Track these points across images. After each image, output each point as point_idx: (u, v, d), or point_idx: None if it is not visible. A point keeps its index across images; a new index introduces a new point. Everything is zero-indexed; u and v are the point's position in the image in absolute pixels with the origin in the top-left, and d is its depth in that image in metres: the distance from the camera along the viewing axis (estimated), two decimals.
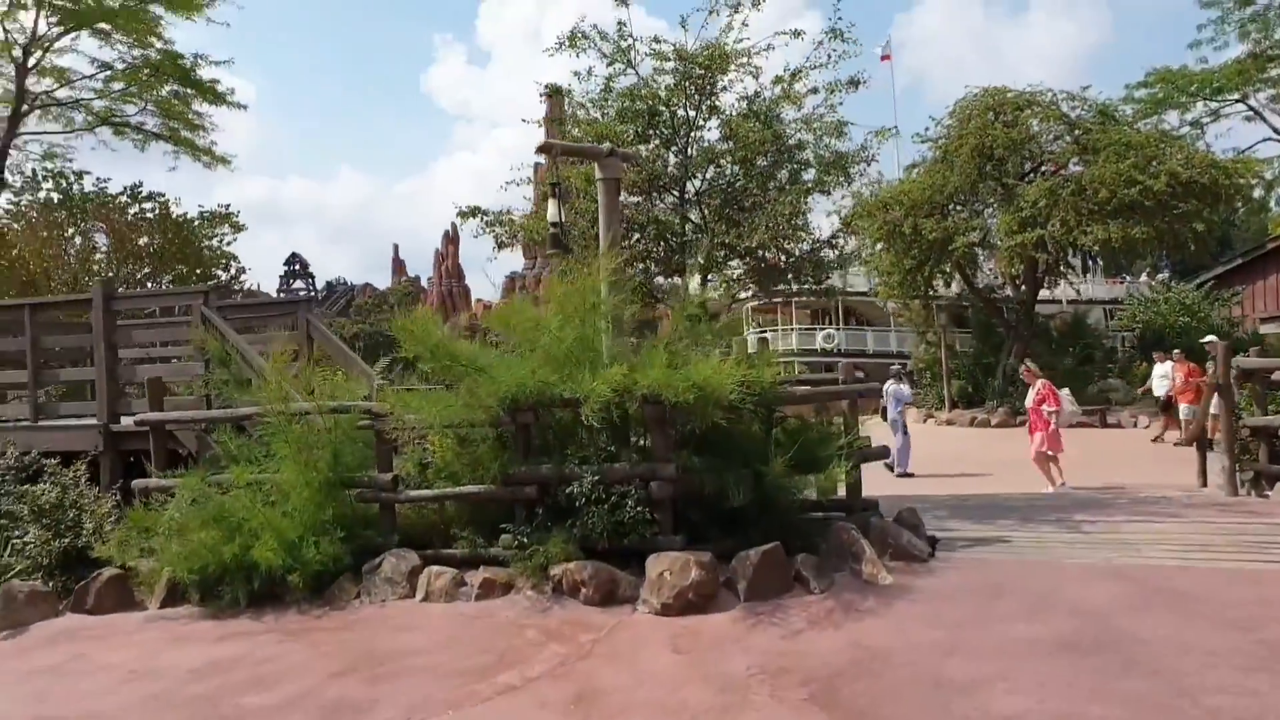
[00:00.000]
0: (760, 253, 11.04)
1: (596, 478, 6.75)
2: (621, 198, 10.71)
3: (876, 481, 11.91)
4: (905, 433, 14.92)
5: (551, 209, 7.70)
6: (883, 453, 7.76)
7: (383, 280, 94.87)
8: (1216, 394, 10.00)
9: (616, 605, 6.34)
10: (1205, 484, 10.61)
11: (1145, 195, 20.67)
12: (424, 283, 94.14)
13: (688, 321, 7.40)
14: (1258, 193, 34.13)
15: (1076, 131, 23.55)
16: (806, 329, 40.51)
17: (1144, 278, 35.72)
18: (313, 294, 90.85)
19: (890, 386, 15.40)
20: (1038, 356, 25.36)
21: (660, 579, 6.22)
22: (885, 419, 16.99)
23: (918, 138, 26.05)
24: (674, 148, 11.27)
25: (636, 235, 10.85)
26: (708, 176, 11.60)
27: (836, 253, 12.14)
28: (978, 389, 25.89)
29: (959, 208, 24.29)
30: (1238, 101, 33.79)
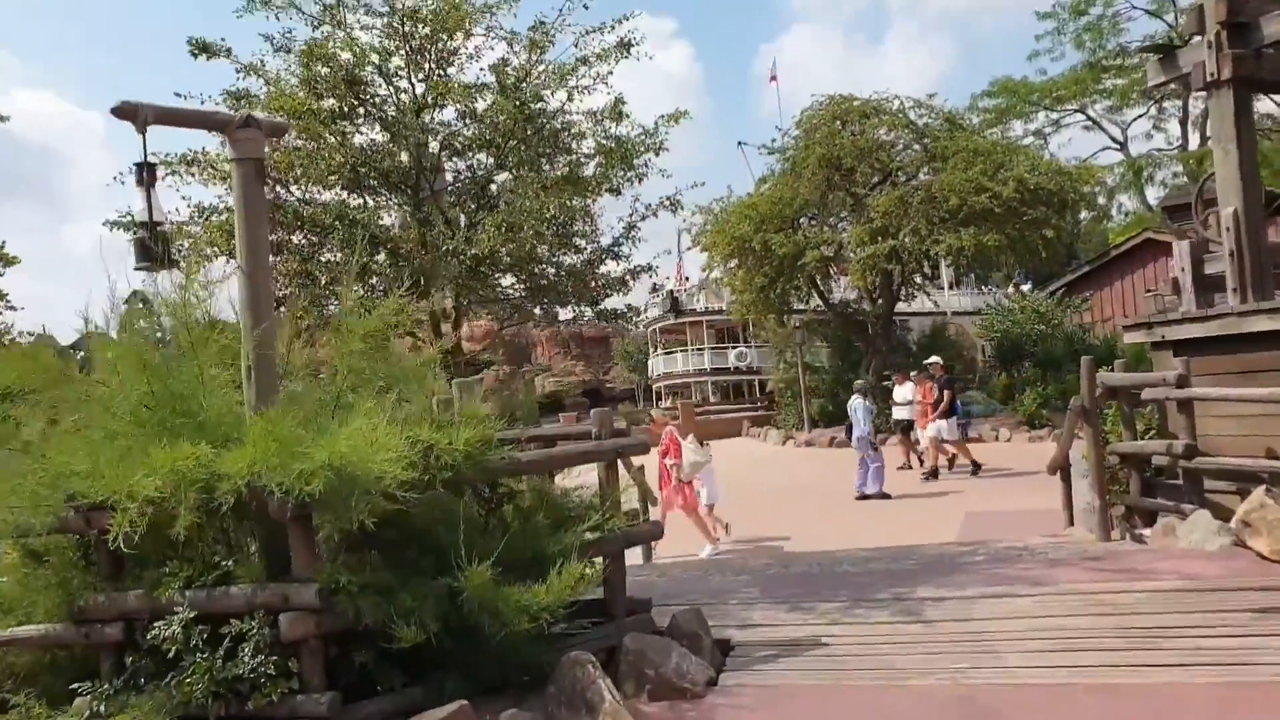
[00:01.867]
0: (532, 267, 8.76)
1: (193, 613, 4.38)
2: (320, 192, 8.28)
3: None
4: (876, 449, 13.39)
5: (139, 204, 5.26)
6: (655, 532, 5.68)
7: None
8: (1055, 419, 8.44)
9: None
10: (1072, 521, 9.07)
11: (995, 202, 20.07)
12: None
13: (354, 358, 5.11)
14: (1101, 199, 34.78)
15: (925, 140, 22.84)
16: (717, 348, 39.14)
17: (1011, 289, 35.76)
18: None
19: (856, 401, 14.02)
20: (897, 369, 24.42)
21: None
22: (849, 437, 15.40)
23: (764, 149, 24.89)
24: (398, 132, 8.83)
25: (323, 241, 8.30)
26: (458, 170, 9.25)
27: (622, 265, 9.92)
28: (839, 407, 24.74)
29: (809, 221, 23.13)
30: (1076, 111, 34.46)
